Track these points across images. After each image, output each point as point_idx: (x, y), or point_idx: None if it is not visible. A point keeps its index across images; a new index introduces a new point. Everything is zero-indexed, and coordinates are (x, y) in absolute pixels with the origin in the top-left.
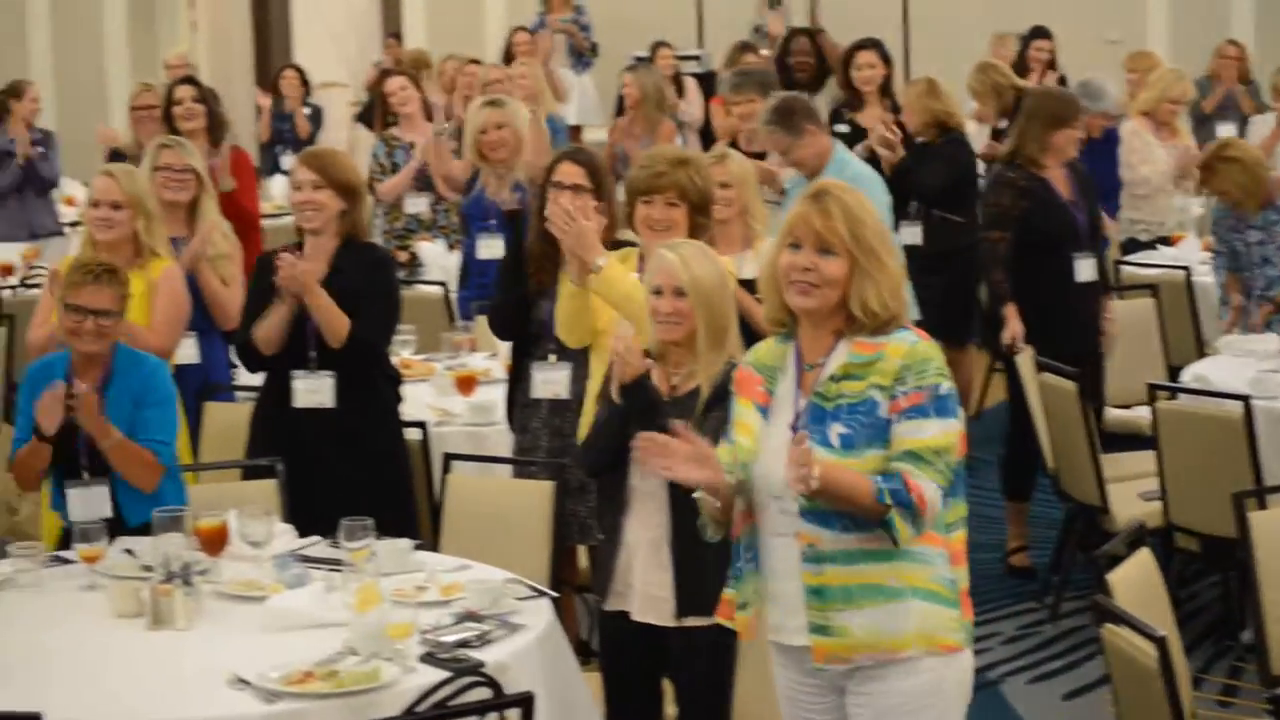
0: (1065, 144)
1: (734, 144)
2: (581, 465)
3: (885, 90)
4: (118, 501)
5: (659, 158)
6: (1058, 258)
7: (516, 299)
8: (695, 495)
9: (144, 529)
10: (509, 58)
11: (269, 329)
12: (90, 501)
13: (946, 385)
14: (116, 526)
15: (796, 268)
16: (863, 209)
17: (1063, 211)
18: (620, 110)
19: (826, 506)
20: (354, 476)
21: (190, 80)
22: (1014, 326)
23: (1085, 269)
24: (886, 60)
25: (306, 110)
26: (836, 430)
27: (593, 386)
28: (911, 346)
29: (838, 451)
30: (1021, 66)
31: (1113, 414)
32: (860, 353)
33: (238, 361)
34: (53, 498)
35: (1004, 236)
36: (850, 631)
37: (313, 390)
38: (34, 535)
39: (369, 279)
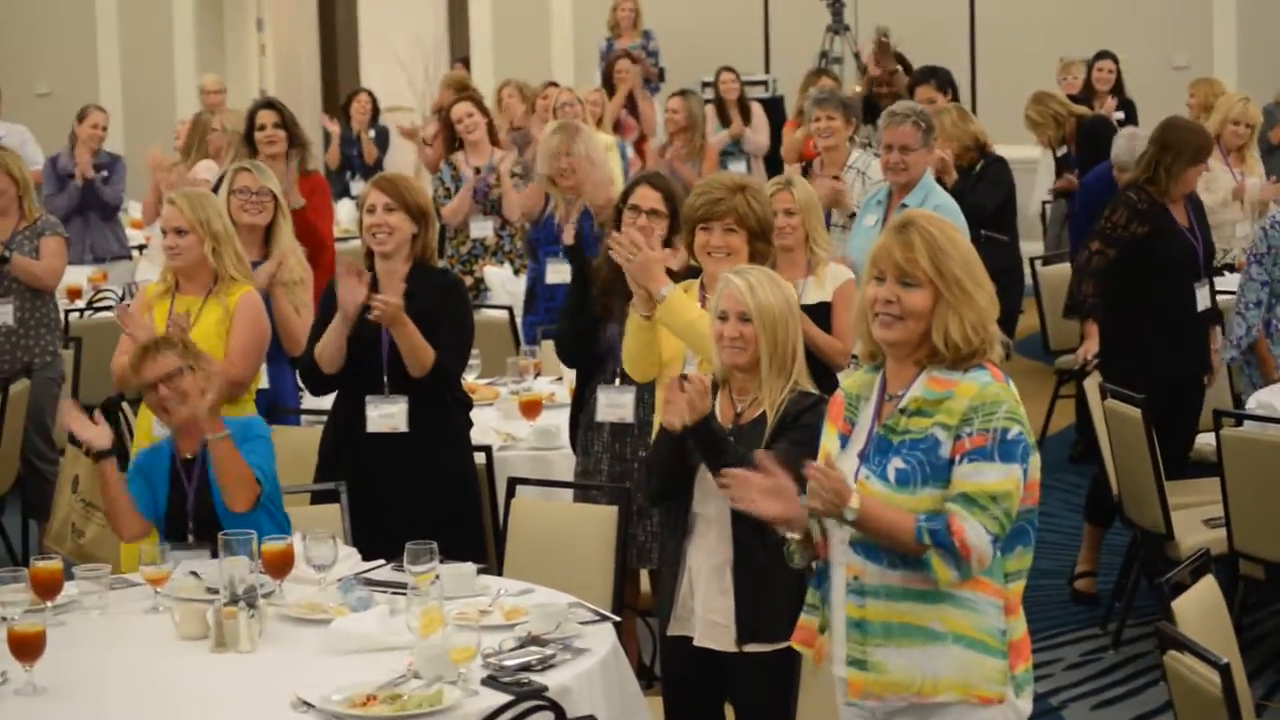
0: (1195, 178)
1: (806, 168)
2: (643, 494)
3: None
4: None
5: (716, 184)
6: (1176, 284)
7: (581, 326)
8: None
9: None
10: (609, 81)
11: (327, 346)
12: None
13: (1015, 430)
14: None
15: (880, 300)
16: (948, 240)
17: (1182, 238)
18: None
19: (867, 539)
20: (425, 501)
21: (271, 105)
22: (1090, 345)
23: (1203, 297)
24: (946, 89)
25: (372, 134)
26: (895, 465)
27: (659, 418)
28: (982, 388)
29: (891, 486)
30: (1089, 91)
31: None
32: (933, 388)
33: (305, 386)
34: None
35: (1103, 249)
36: (886, 669)
37: (386, 415)
38: (100, 558)
39: (444, 305)
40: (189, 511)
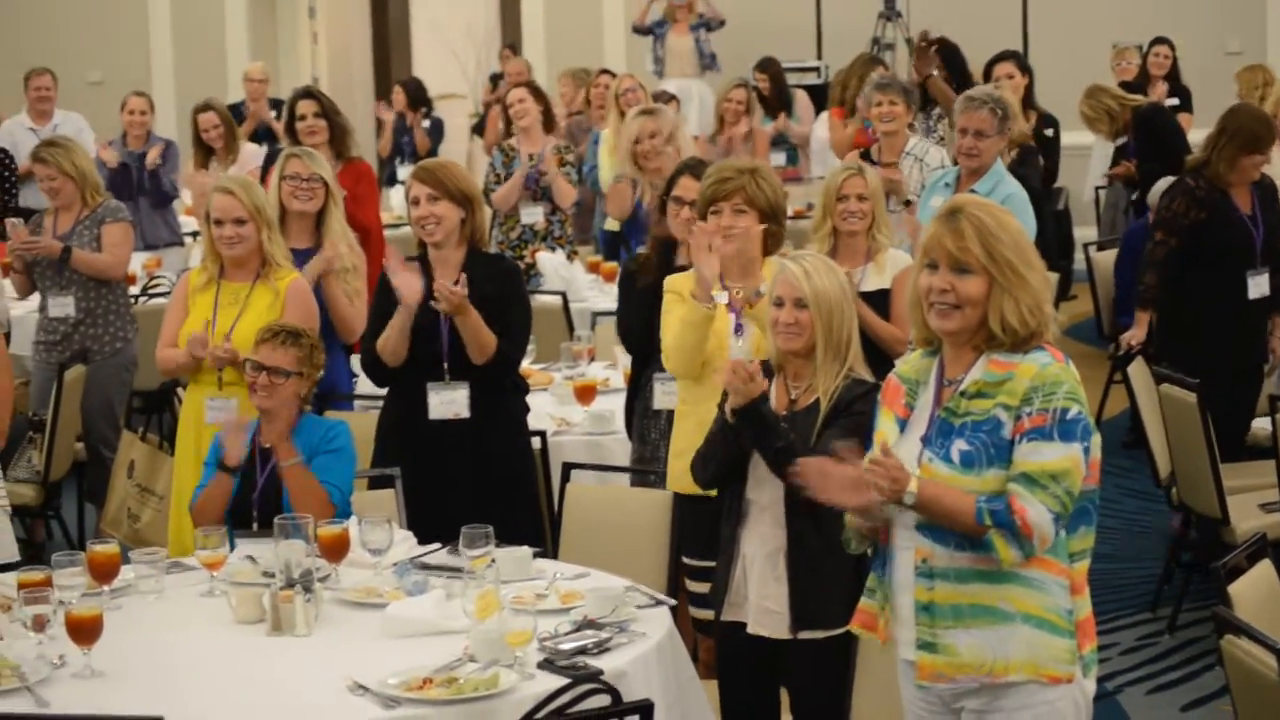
0: (1252, 168)
1: (865, 156)
2: (697, 479)
3: (1028, 102)
4: None
5: (726, 167)
6: (1230, 271)
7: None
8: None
9: None
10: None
11: (391, 340)
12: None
13: (1075, 409)
14: None
15: (934, 289)
16: (999, 225)
17: (1240, 226)
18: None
19: (929, 522)
20: (482, 485)
21: (310, 94)
22: (1138, 333)
23: (1258, 285)
24: (1024, 70)
25: (426, 124)
26: (959, 447)
27: (702, 411)
28: (1042, 368)
29: (957, 469)
30: (1144, 77)
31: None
32: (993, 371)
33: (359, 372)
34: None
35: (1166, 239)
36: (956, 650)
37: (448, 402)
38: (155, 542)
39: (504, 291)
40: (254, 500)
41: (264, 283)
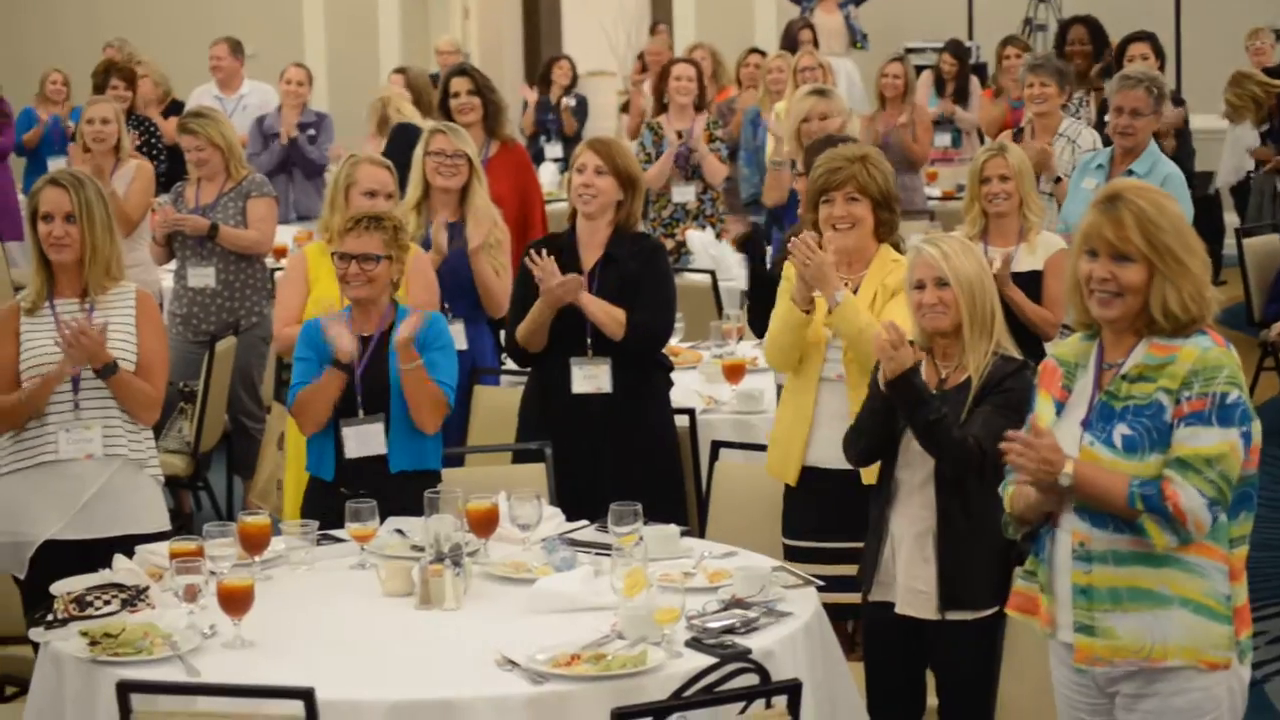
0: None
1: (1017, 135)
2: (849, 455)
3: None
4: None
5: (836, 155)
6: None
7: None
8: (1005, 489)
9: (406, 477)
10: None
11: (531, 332)
12: (365, 438)
13: (1235, 394)
14: (381, 471)
15: (1095, 278)
16: (1159, 212)
17: None
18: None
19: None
20: (626, 462)
21: (464, 71)
22: None
23: None
24: (1159, 53)
25: (571, 102)
26: (1120, 431)
27: (800, 401)
28: (1204, 352)
29: (1119, 453)
30: None
31: None
32: (1155, 354)
33: (511, 359)
34: (309, 458)
35: None
36: (1114, 634)
37: (590, 376)
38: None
39: (645, 268)
40: (358, 387)
41: None
